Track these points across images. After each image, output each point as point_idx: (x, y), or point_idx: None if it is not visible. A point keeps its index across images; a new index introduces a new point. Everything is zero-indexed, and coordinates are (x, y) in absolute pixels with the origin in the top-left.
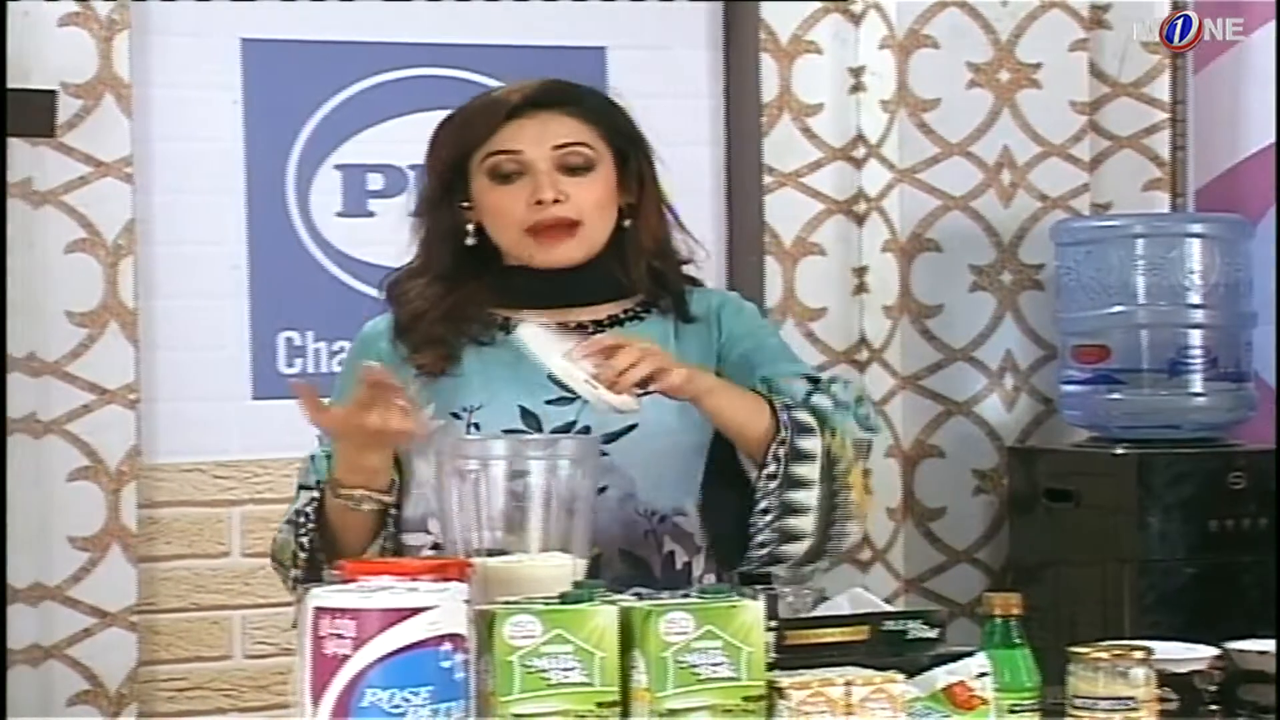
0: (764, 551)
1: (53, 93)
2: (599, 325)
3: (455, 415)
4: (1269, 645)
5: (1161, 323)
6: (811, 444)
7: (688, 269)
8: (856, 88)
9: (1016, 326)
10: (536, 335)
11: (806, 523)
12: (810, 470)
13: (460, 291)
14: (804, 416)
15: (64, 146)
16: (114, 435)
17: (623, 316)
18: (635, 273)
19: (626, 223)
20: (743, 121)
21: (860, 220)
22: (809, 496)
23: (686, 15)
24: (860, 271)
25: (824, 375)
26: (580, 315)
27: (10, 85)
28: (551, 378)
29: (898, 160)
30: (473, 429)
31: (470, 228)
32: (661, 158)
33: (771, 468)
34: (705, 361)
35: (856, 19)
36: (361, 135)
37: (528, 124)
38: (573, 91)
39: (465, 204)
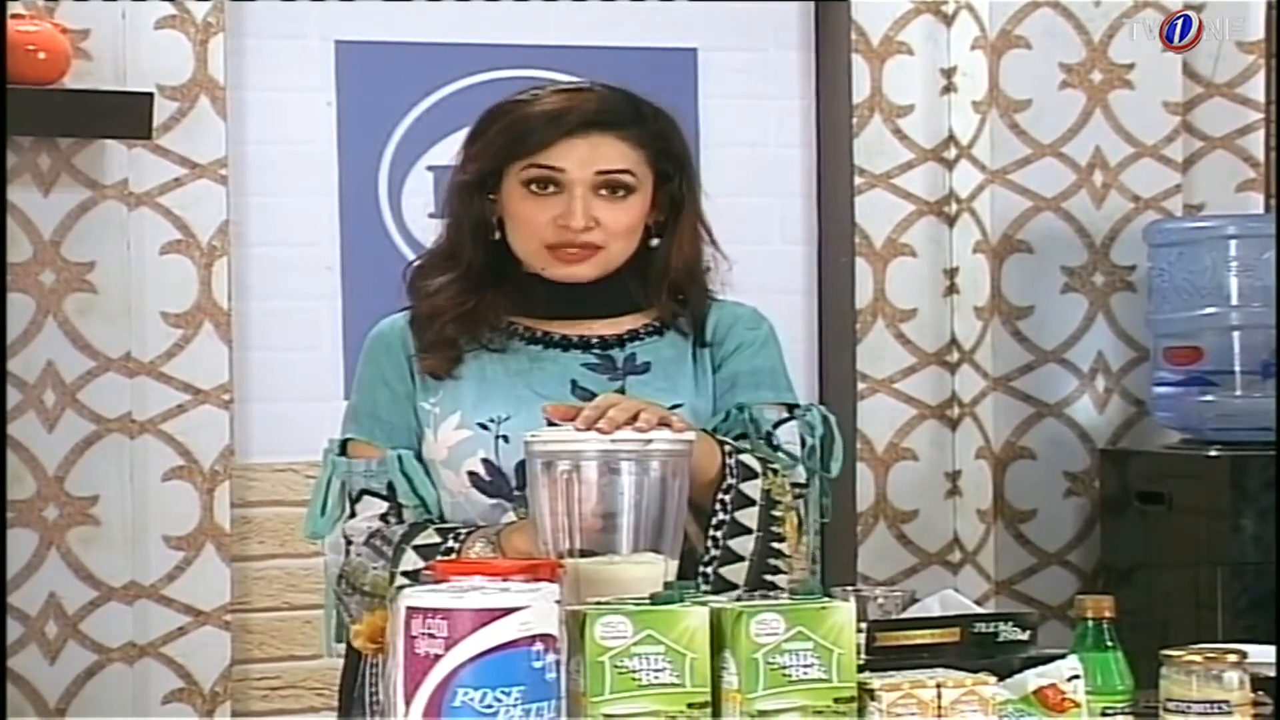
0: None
1: (149, 95)
2: (618, 339)
3: (483, 426)
4: None
5: (1255, 324)
6: (753, 488)
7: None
8: (948, 88)
9: (1108, 328)
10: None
11: (739, 571)
12: (750, 517)
13: (480, 296)
14: (749, 460)
15: (160, 149)
16: (208, 435)
17: (641, 331)
18: (655, 293)
19: (654, 242)
20: (834, 122)
21: (951, 221)
22: (745, 544)
23: (778, 16)
24: (951, 273)
25: (802, 406)
26: (598, 328)
27: (107, 88)
28: (572, 392)
29: (989, 161)
30: (501, 441)
31: (496, 221)
32: (703, 174)
33: (720, 516)
34: (707, 384)
35: (948, 19)
36: (454, 136)
37: (578, 144)
38: (631, 111)
39: (493, 197)
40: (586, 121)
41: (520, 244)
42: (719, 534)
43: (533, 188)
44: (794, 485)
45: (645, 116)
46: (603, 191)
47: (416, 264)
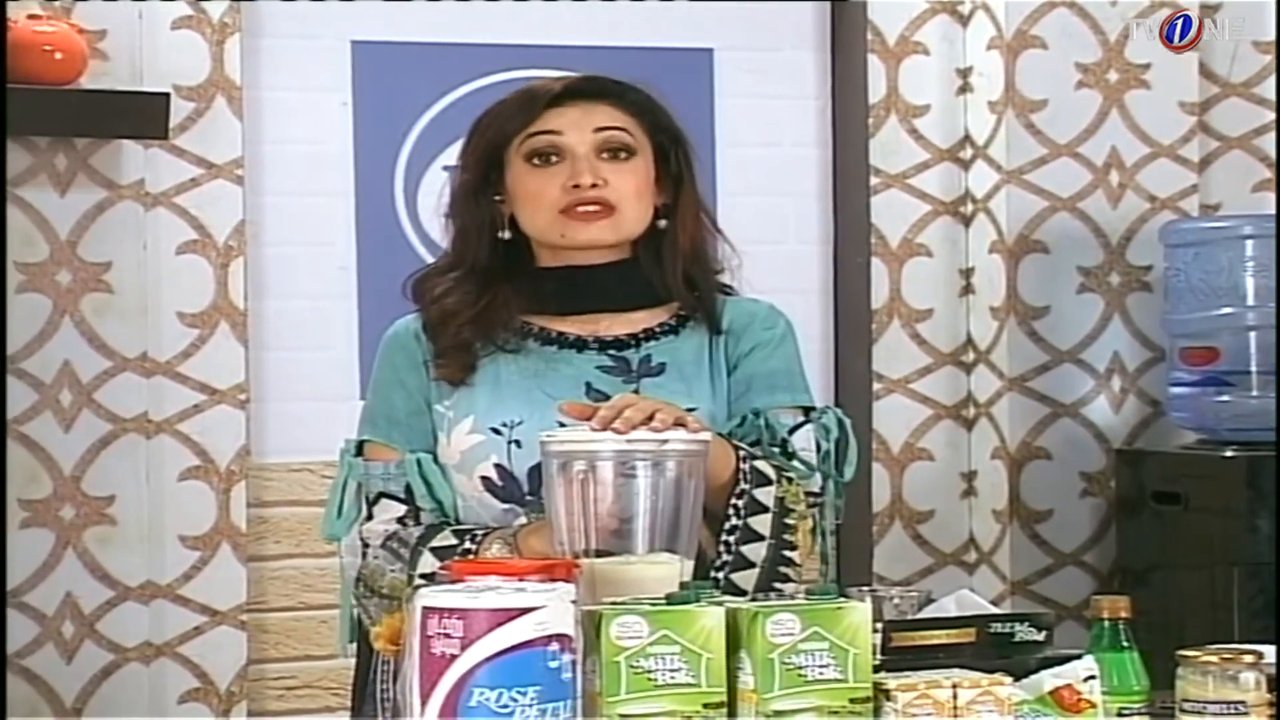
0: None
1: (166, 95)
2: (633, 339)
3: (495, 430)
4: None
5: (1271, 324)
6: (766, 494)
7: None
8: (964, 88)
9: (1124, 328)
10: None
11: (750, 577)
12: (763, 524)
13: (492, 295)
14: (763, 466)
15: (176, 149)
16: (224, 435)
17: (657, 330)
18: (671, 277)
19: (662, 223)
20: (850, 123)
21: (967, 221)
22: (757, 550)
23: (794, 16)
24: (967, 273)
25: (819, 409)
26: (614, 327)
27: (124, 88)
28: (587, 394)
29: (1005, 161)
30: (513, 445)
31: (505, 220)
32: (701, 157)
33: (733, 521)
34: (722, 386)
35: (964, 19)
36: None
37: (569, 110)
38: (615, 85)
39: (499, 197)
40: (574, 92)
41: (533, 220)
42: (731, 539)
43: (535, 161)
44: (809, 494)
45: (627, 90)
46: (604, 155)
47: (420, 273)
